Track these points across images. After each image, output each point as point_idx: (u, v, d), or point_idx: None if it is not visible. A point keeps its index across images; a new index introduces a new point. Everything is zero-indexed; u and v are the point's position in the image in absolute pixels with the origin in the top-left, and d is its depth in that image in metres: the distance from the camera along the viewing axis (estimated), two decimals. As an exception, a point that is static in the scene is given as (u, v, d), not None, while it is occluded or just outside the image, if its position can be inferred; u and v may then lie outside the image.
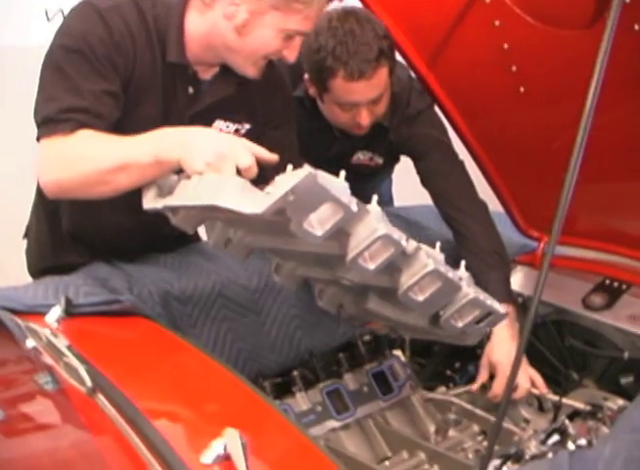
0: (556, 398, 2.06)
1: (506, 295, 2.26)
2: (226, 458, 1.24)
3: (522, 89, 2.14)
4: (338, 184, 1.41)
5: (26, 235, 2.36)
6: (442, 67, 2.26)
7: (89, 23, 1.85)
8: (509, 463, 1.79)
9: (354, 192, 2.79)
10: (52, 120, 1.79)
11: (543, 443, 1.86)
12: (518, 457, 1.80)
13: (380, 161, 2.63)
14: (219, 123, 2.08)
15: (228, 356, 2.06)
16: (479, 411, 2.14)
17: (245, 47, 1.90)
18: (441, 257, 1.66)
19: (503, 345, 2.14)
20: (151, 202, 1.71)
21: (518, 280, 2.49)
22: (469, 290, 1.67)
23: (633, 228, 2.35)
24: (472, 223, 2.35)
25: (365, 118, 2.28)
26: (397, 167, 2.87)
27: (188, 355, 1.62)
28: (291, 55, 1.95)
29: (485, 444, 2.09)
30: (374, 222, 1.48)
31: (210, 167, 1.57)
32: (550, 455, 1.79)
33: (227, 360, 2.03)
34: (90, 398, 1.41)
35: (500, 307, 1.76)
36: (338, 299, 1.88)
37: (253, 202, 1.38)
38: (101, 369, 1.47)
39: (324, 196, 1.38)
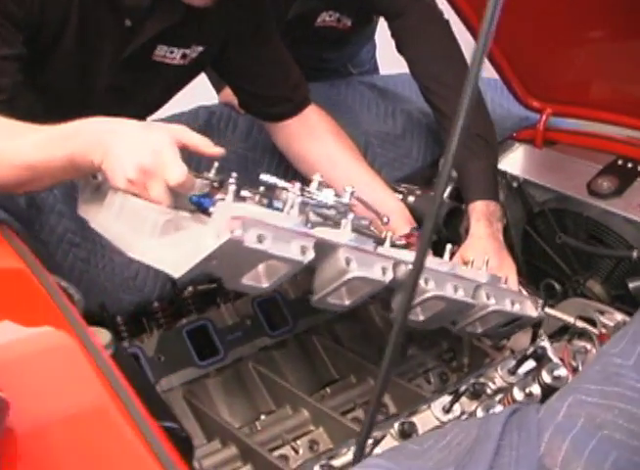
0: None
1: (486, 191, 1.73)
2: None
3: None
4: (285, 225, 1.08)
5: None
6: None
7: None
8: (467, 400, 1.34)
9: (324, 62, 2.25)
10: None
11: (513, 372, 1.38)
12: (477, 393, 1.33)
13: (348, 22, 2.08)
14: (162, 49, 1.57)
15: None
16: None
17: None
18: (449, 266, 1.34)
19: (479, 243, 1.63)
20: (83, 206, 1.31)
21: (515, 161, 1.95)
22: (489, 302, 1.37)
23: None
24: (453, 97, 1.80)
25: None
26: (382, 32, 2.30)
27: None
28: None
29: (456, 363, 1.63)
30: (342, 263, 1.15)
31: (135, 186, 1.15)
32: (517, 393, 1.32)
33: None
34: None
35: (532, 310, 1.46)
36: None
37: (172, 257, 1.07)
38: None
39: (259, 256, 1.06)
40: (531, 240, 1.94)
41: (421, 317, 1.34)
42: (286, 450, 1.38)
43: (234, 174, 1.18)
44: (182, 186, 1.14)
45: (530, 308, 1.45)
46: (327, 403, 1.48)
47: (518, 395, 1.30)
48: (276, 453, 1.36)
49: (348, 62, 2.39)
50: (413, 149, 1.95)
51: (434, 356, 1.63)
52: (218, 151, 1.23)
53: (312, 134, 1.73)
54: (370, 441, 1.21)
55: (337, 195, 1.27)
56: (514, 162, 1.95)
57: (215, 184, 1.22)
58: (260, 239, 1.03)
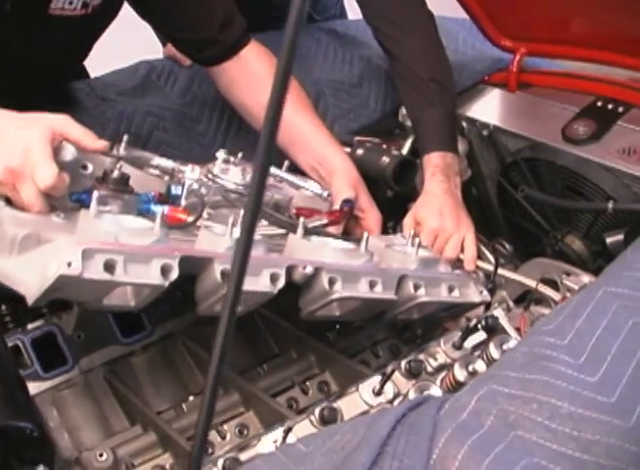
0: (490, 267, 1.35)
1: (442, 141, 1.52)
2: None
3: None
4: (144, 242, 0.94)
5: None
6: None
7: None
8: (405, 379, 1.14)
9: (277, 8, 2.02)
10: None
11: (459, 346, 1.18)
12: (414, 371, 1.14)
13: None
14: (58, 1, 1.36)
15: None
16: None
17: None
18: (365, 258, 1.13)
19: (434, 200, 1.43)
20: None
21: (485, 107, 1.73)
22: (417, 293, 1.19)
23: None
24: (407, 40, 1.58)
25: None
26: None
27: None
28: None
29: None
30: (217, 277, 1.00)
31: (5, 188, 1.00)
32: (459, 371, 1.12)
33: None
34: None
35: (474, 295, 1.28)
36: None
37: (26, 278, 0.91)
38: None
39: (109, 284, 0.92)
40: (507, 193, 1.73)
41: (337, 312, 1.17)
42: (212, 436, 1.21)
43: (129, 153, 1.08)
44: (53, 188, 0.98)
45: (473, 293, 1.28)
46: (261, 383, 1.30)
47: (459, 373, 1.11)
48: (201, 440, 1.19)
49: (310, 8, 2.15)
50: (370, 98, 1.72)
51: (385, 326, 1.43)
52: (101, 145, 1.07)
53: (251, 80, 1.53)
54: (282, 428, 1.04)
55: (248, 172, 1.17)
56: (485, 108, 1.73)
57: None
58: (109, 265, 0.89)
